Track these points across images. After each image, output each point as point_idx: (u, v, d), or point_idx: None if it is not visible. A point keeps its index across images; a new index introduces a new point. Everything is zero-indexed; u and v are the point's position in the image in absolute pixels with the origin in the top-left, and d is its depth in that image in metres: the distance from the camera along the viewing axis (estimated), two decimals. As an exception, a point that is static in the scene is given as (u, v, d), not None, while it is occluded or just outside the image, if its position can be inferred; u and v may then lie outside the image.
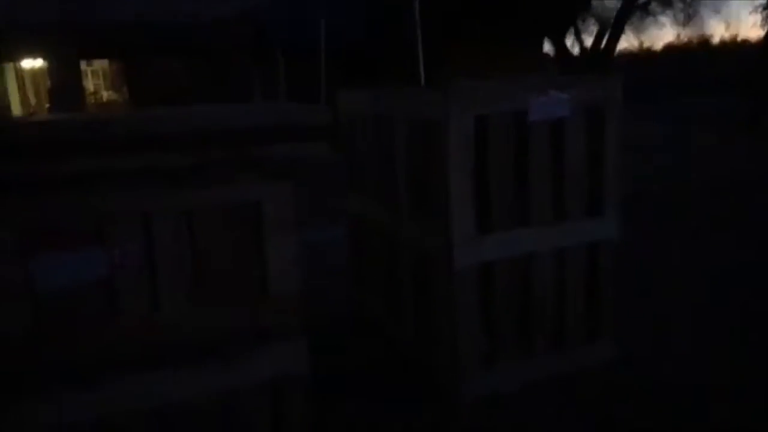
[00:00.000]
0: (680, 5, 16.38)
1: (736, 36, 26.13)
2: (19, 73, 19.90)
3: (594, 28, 13.69)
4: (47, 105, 19.06)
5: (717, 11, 26.31)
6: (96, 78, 21.44)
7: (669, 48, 25.07)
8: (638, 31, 17.80)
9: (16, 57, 18.07)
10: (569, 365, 2.66)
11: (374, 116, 2.92)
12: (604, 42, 12.50)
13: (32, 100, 20.62)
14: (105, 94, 21.42)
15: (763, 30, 12.15)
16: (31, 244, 1.74)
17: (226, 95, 13.91)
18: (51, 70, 16.49)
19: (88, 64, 20.12)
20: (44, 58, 17.09)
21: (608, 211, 2.64)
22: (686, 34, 23.56)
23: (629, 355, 2.76)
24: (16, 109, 20.14)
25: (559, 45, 11.77)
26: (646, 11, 15.46)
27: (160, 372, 1.87)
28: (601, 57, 11.74)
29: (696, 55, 23.08)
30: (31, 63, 19.07)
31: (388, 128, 2.75)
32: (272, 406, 2.03)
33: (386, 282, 3.07)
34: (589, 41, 13.03)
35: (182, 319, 1.91)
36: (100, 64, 21.04)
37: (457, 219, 2.36)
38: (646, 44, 24.25)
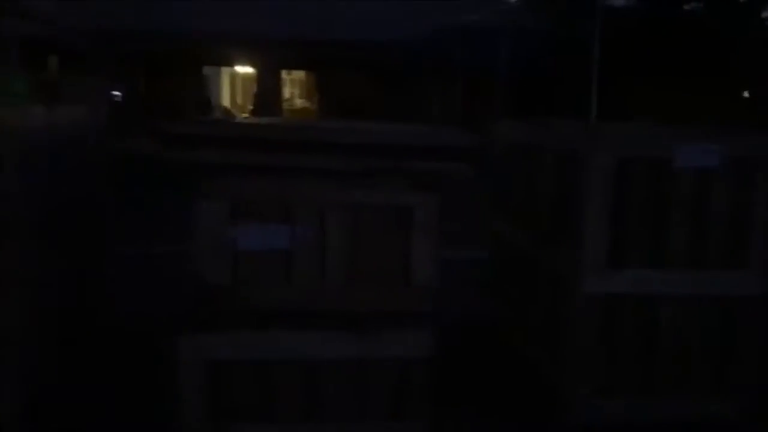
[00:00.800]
0: None
1: None
2: (233, 78, 22.80)
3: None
4: (250, 107, 21.53)
5: None
6: (293, 86, 23.76)
7: None
8: None
9: (232, 63, 20.71)
10: (692, 413, 2.68)
11: (525, 145, 3.19)
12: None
13: (239, 102, 23.45)
14: (298, 102, 23.61)
15: None
16: (237, 214, 2.30)
17: (405, 110, 14.77)
18: (258, 77, 18.68)
19: (288, 74, 22.28)
20: (254, 66, 19.40)
21: (753, 265, 2.64)
22: None
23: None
24: (226, 105, 23.05)
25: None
26: None
27: (315, 332, 2.33)
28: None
29: None
30: (243, 69, 21.73)
31: (536, 158, 3.02)
32: (397, 380, 2.39)
33: (520, 299, 3.30)
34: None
35: (339, 293, 2.36)
36: (298, 75, 23.29)
37: (590, 250, 2.55)
38: None
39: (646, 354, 2.66)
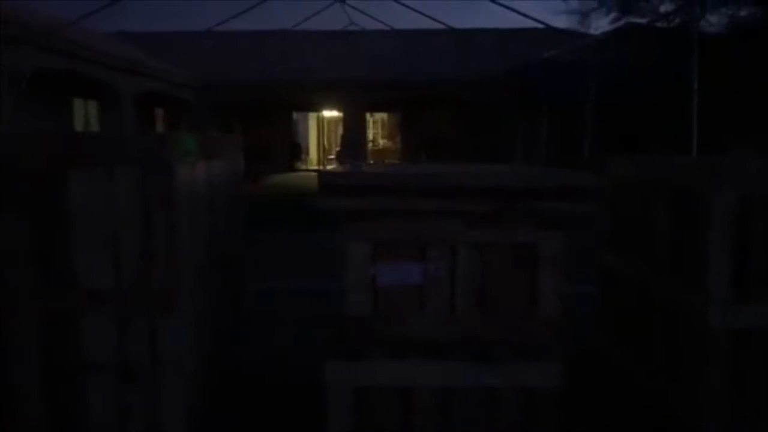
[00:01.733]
0: None
1: None
2: (320, 121, 23.83)
3: None
4: (337, 148, 22.35)
5: None
6: (375, 127, 24.49)
7: None
8: None
9: (319, 108, 21.68)
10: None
11: (639, 182, 3.28)
12: None
13: (326, 143, 24.40)
14: (381, 142, 24.25)
15: None
16: (377, 254, 2.54)
17: (486, 146, 14.89)
18: (344, 119, 19.46)
19: (371, 115, 23.07)
20: (339, 110, 20.24)
21: None
22: None
23: None
24: (313, 150, 24.06)
25: None
26: None
27: (447, 361, 2.51)
28: None
29: None
30: (329, 113, 22.68)
31: (651, 194, 3.10)
32: (525, 410, 2.52)
33: (636, 334, 3.34)
34: None
35: (469, 324, 2.54)
36: (380, 116, 24.02)
37: (714, 283, 2.60)
38: None
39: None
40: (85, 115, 13.97)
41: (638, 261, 3.29)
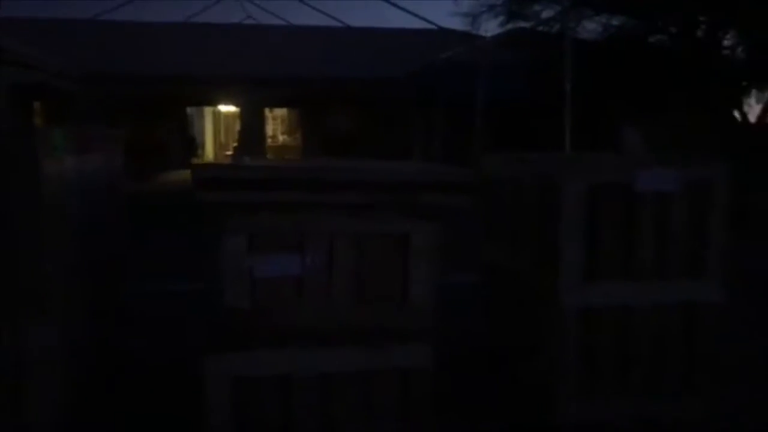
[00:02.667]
0: None
1: None
2: (216, 116, 23.18)
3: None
4: (234, 144, 21.84)
5: None
6: (275, 123, 24.16)
7: None
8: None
9: (215, 102, 21.10)
10: (664, 412, 2.98)
11: (508, 176, 3.54)
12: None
13: (222, 139, 23.78)
14: (281, 138, 23.98)
15: None
16: (254, 246, 2.59)
17: (387, 144, 15.19)
18: (242, 115, 19.08)
19: (270, 111, 22.71)
20: (236, 105, 19.81)
21: (710, 275, 2.98)
22: None
23: (728, 412, 3.01)
24: (209, 145, 23.37)
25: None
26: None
27: (326, 347, 2.60)
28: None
29: None
30: (226, 108, 22.13)
31: (517, 187, 3.36)
32: (400, 390, 2.66)
33: (512, 317, 3.60)
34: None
35: (346, 312, 2.64)
36: (280, 112, 23.73)
37: (566, 266, 2.88)
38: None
39: (622, 358, 2.96)
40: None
41: (510, 249, 3.55)
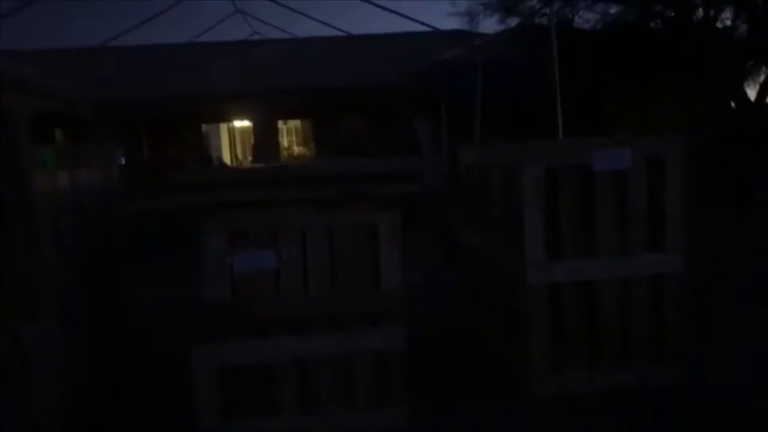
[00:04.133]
0: None
1: None
2: (231, 132, 23.64)
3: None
4: (250, 158, 22.22)
5: None
6: (290, 135, 24.54)
7: None
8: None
9: (229, 118, 21.54)
10: (632, 381, 3.08)
11: (480, 166, 3.70)
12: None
13: (239, 153, 24.23)
14: (296, 149, 24.35)
15: None
16: (232, 244, 2.79)
17: (396, 147, 15.39)
18: (255, 129, 19.44)
19: (284, 123, 23.07)
20: (250, 119, 20.19)
21: (671, 247, 3.09)
22: None
23: (698, 379, 3.11)
24: (226, 160, 23.84)
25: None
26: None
27: (304, 335, 2.79)
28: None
29: None
30: (240, 123, 22.57)
31: (488, 176, 3.51)
32: (376, 371, 2.83)
33: (488, 299, 3.76)
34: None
35: (322, 301, 2.83)
36: (294, 123, 24.10)
37: (530, 246, 3.02)
38: None
39: (590, 332, 3.09)
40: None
41: (484, 235, 3.70)
